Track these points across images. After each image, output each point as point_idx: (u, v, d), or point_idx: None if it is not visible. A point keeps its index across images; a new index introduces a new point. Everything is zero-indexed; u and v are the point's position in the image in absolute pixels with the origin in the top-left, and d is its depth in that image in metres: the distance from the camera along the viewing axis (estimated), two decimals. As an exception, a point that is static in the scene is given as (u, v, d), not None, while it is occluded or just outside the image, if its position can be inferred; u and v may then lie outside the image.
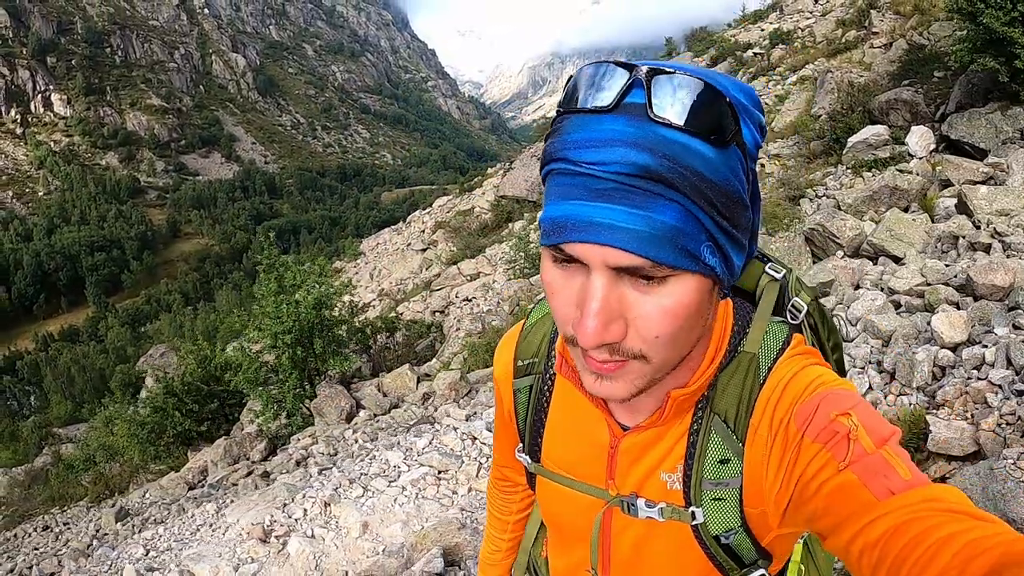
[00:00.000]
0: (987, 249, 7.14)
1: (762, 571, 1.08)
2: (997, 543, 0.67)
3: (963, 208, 8.62)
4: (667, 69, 0.81)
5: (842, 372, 1.22)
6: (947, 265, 7.17)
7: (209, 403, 15.37)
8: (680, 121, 0.79)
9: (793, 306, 1.11)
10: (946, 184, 10.12)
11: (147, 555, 7.27)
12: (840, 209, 11.26)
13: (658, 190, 0.78)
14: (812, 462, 0.87)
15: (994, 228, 7.12)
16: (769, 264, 1.13)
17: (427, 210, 45.04)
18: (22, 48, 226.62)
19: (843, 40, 23.28)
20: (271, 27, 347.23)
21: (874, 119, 14.85)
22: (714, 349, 1.03)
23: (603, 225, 0.79)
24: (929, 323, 5.74)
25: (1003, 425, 4.38)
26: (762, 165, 19.17)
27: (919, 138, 12.52)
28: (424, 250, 34.68)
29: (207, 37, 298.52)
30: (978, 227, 7.67)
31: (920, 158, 12.09)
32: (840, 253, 9.37)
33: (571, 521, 1.23)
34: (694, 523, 1.05)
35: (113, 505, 13.56)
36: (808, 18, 29.36)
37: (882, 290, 7.00)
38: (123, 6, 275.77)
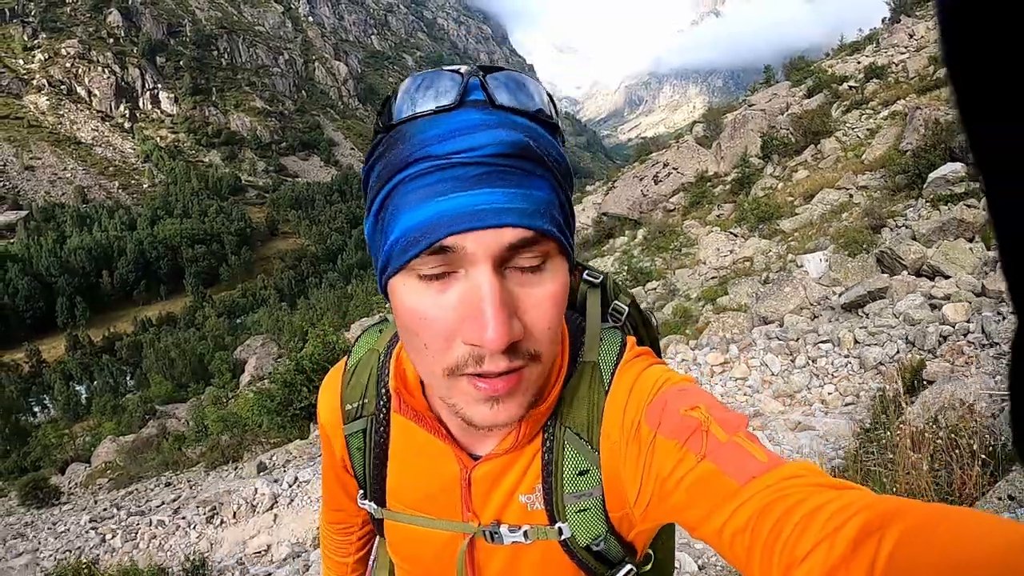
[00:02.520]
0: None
1: (630, 566, 1.10)
2: (861, 507, 0.69)
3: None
4: (496, 68, 0.87)
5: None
6: (978, 279, 8.73)
7: (333, 382, 17.15)
8: (522, 107, 0.83)
9: (615, 308, 1.16)
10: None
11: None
12: (914, 239, 12.46)
13: (529, 167, 0.81)
14: (669, 458, 0.88)
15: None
16: (586, 271, 1.18)
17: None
18: (133, 47, 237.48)
19: (934, 77, 24.06)
20: (373, 37, 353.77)
21: (954, 156, 15.86)
22: (557, 365, 1.03)
23: (486, 211, 0.78)
24: (942, 310, 7.96)
25: (967, 364, 6.75)
26: (850, 195, 20.23)
27: (992, 175, 13.57)
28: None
29: (311, 44, 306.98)
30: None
31: (994, 194, 13.13)
32: (904, 272, 10.64)
33: (429, 562, 1.18)
34: (562, 538, 1.04)
35: (237, 468, 15.51)
36: (902, 53, 30.09)
37: (925, 296, 8.89)
38: (230, 11, 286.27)
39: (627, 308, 1.16)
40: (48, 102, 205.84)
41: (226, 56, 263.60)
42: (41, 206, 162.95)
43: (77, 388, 78.17)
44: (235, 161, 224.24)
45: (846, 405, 7.43)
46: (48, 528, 12.79)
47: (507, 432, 1.03)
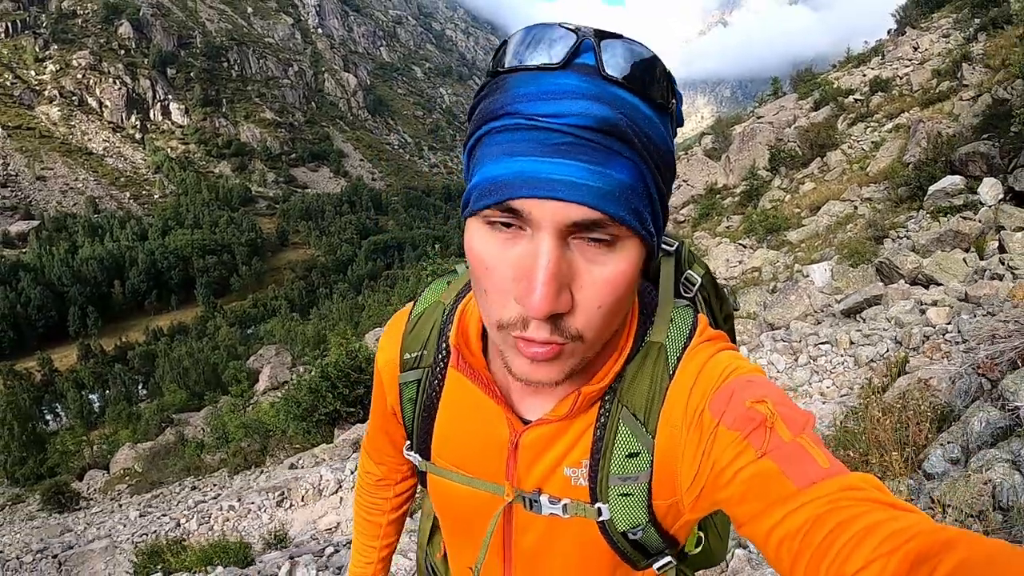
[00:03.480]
0: (1000, 278, 8.86)
1: (668, 558, 1.09)
2: (918, 532, 0.67)
3: (1003, 249, 10.30)
4: (616, 34, 0.82)
5: (733, 339, 1.24)
6: (964, 287, 9.33)
7: (356, 389, 17.62)
8: (631, 83, 0.78)
9: (687, 279, 1.13)
10: (1000, 229, 11.70)
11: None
12: (914, 249, 12.99)
13: (616, 146, 0.77)
14: (728, 449, 0.87)
15: (1010, 264, 8.85)
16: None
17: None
18: (144, 59, 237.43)
19: (937, 90, 24.57)
20: (382, 48, 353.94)
21: (954, 169, 16.37)
22: (620, 342, 1.01)
23: (559, 182, 0.76)
24: (927, 314, 8.72)
25: (943, 358, 7.31)
26: (855, 207, 20.72)
27: (989, 188, 14.08)
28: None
29: (320, 56, 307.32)
30: (1002, 263, 9.40)
31: (989, 206, 13.61)
32: (901, 280, 11.18)
33: (468, 520, 1.18)
34: (600, 519, 1.03)
35: (263, 471, 16.11)
36: (907, 66, 30.56)
37: (916, 302, 9.59)
38: (240, 23, 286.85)
39: (699, 279, 1.14)
40: (60, 113, 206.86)
41: (236, 68, 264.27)
42: (53, 216, 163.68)
43: (90, 397, 78.77)
44: (245, 172, 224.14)
45: (841, 396, 8.08)
46: (96, 526, 13.42)
47: (560, 399, 1.02)
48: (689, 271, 1.13)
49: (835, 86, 33.72)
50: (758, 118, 36.17)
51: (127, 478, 25.97)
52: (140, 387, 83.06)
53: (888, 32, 41.05)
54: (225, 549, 7.27)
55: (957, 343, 7.61)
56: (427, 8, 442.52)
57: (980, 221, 12.64)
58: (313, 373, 18.28)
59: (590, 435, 1.01)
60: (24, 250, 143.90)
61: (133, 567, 8.22)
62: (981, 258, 10.79)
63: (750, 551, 4.55)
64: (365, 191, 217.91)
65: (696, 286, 1.12)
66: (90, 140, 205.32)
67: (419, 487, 1.41)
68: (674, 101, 0.84)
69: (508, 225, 0.80)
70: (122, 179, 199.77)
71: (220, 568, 6.80)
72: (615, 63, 0.78)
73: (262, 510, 10.00)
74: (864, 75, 33.19)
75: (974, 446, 4.06)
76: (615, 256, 0.81)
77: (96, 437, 45.56)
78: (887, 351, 8.55)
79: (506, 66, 0.81)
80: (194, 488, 17.57)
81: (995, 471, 3.51)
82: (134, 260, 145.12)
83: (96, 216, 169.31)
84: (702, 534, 1.20)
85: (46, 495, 22.57)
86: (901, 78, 29.49)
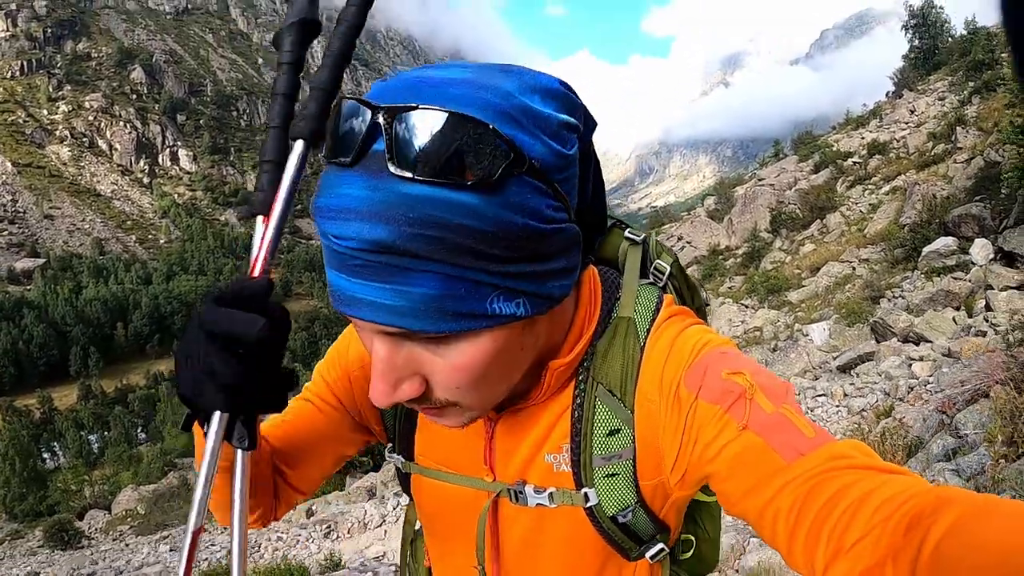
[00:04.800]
0: (984, 334, 9.37)
1: (661, 545, 1.04)
2: (911, 495, 0.66)
3: (989, 307, 10.82)
4: (410, 105, 0.68)
5: None
6: (949, 343, 9.88)
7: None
8: (422, 174, 0.67)
9: (656, 268, 1.09)
10: (989, 288, 12.21)
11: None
12: (908, 309, 13.53)
13: (406, 263, 0.69)
14: (710, 424, 0.84)
15: (994, 321, 9.36)
16: (628, 230, 1.11)
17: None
18: (155, 104, 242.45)
19: (932, 153, 25.30)
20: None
21: (948, 231, 16.93)
22: (584, 317, 0.97)
23: (360, 301, 0.72)
24: (913, 368, 9.37)
25: (922, 404, 7.74)
26: (853, 268, 21.27)
27: (980, 249, 14.63)
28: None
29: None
30: (987, 320, 9.92)
31: (980, 266, 14.13)
32: (894, 339, 11.70)
33: (454, 519, 1.12)
34: (587, 505, 0.97)
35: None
36: (904, 128, 31.38)
37: (905, 358, 10.21)
38: (251, 73, 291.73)
39: (668, 268, 1.09)
40: (70, 153, 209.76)
41: (245, 117, 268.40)
42: (59, 255, 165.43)
43: (89, 437, 78.80)
44: (250, 221, 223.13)
45: (835, 441, 9.02)
46: (113, 559, 13.88)
47: (527, 385, 0.97)
48: (658, 260, 1.10)
49: (834, 149, 34.59)
50: (760, 180, 36.95)
51: (129, 519, 26.16)
52: (140, 430, 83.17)
53: (887, 94, 42.08)
54: (288, 572, 7.87)
55: (936, 392, 8.25)
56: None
57: (970, 281, 13.18)
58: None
59: (567, 417, 0.98)
60: (29, 287, 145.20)
61: None
62: (969, 316, 11.30)
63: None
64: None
65: (665, 275, 1.09)
66: (99, 182, 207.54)
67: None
68: (515, 157, 0.70)
69: None
70: (129, 222, 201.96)
71: None
72: (404, 150, 0.67)
73: (311, 541, 10.66)
74: (863, 138, 34.06)
75: (933, 463, 5.06)
76: (460, 346, 0.76)
77: (96, 478, 45.69)
78: (876, 401, 9.13)
79: (327, 156, 0.76)
80: (203, 530, 17.94)
81: (942, 477, 4.60)
82: (138, 303, 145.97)
83: (102, 258, 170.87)
84: (692, 538, 1.18)
85: (49, 532, 22.74)
86: (898, 141, 30.33)
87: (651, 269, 1.09)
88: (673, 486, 0.94)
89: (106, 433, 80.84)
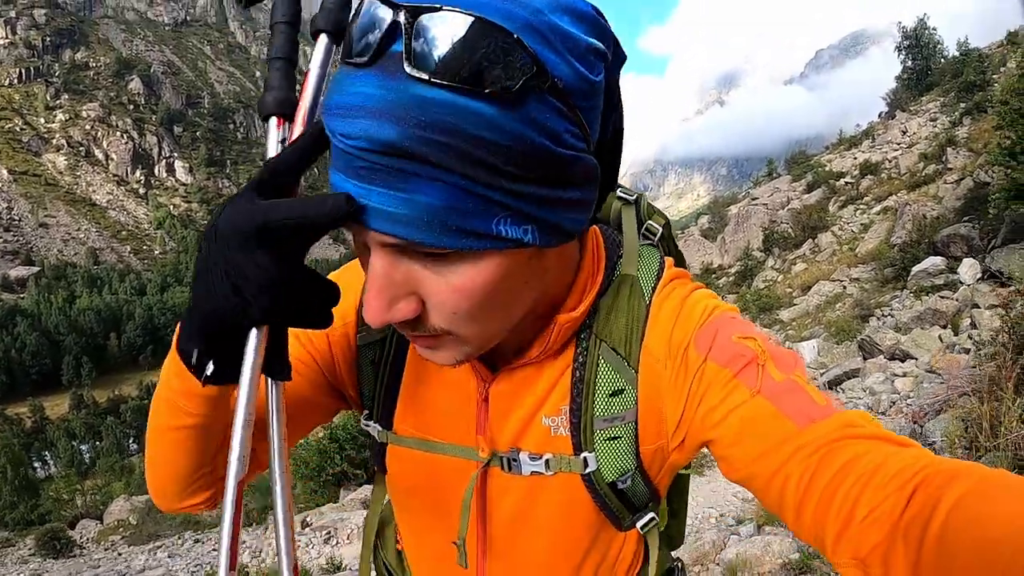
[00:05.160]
0: (967, 351, 9.48)
1: (652, 514, 1.01)
2: (921, 467, 0.66)
3: (974, 325, 11.02)
4: (434, 6, 0.63)
5: None
6: (932, 360, 10.01)
7: (363, 452, 18.31)
8: (440, 77, 0.62)
9: (648, 229, 1.05)
10: (975, 307, 12.40)
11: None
12: (897, 327, 13.72)
13: (412, 168, 0.64)
14: (718, 387, 0.83)
15: (978, 339, 9.52)
16: (620, 189, 1.06)
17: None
18: (152, 115, 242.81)
19: (923, 173, 25.61)
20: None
21: (937, 251, 17.17)
22: (589, 271, 0.93)
23: (369, 209, 0.67)
24: (895, 383, 9.54)
25: (903, 417, 7.89)
26: (844, 287, 21.48)
27: (968, 268, 14.85)
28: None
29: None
30: (971, 338, 10.09)
31: (968, 285, 14.34)
32: (880, 356, 11.89)
33: (435, 493, 1.05)
34: (586, 471, 0.93)
35: (265, 529, 16.68)
36: (895, 149, 31.68)
37: (889, 374, 10.43)
38: (248, 86, 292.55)
39: (660, 229, 1.06)
40: (66, 162, 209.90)
41: (242, 130, 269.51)
42: (53, 264, 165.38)
43: (80, 447, 78.68)
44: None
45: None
46: (108, 567, 14.15)
47: (532, 339, 0.93)
48: (649, 221, 1.07)
49: (827, 169, 34.91)
50: (753, 199, 37.27)
51: (121, 529, 26.16)
52: (131, 441, 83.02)
53: (879, 115, 42.43)
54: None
55: (913, 405, 8.56)
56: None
57: (958, 300, 13.37)
58: (321, 435, 18.91)
59: (568, 377, 0.94)
60: (23, 295, 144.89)
61: None
62: (955, 334, 11.48)
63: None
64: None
65: (657, 236, 1.06)
66: (94, 191, 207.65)
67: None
68: (535, 69, 0.65)
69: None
70: (124, 232, 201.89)
71: None
72: (424, 53, 0.63)
73: (311, 546, 10.73)
74: (855, 158, 34.39)
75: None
76: (461, 267, 0.72)
77: (88, 487, 45.62)
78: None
79: (343, 56, 0.70)
80: (197, 541, 17.95)
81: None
82: (131, 314, 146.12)
83: (96, 267, 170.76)
84: (664, 512, 1.14)
85: (41, 540, 22.72)
86: (890, 161, 30.64)
87: (642, 230, 1.06)
88: (672, 450, 0.93)
89: (97, 443, 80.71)
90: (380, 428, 1.06)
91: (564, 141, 0.70)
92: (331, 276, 1.04)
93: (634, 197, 1.06)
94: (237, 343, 0.72)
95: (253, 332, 0.70)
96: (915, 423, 6.65)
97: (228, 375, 0.76)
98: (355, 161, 0.66)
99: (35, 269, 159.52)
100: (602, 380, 0.92)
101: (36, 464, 71.24)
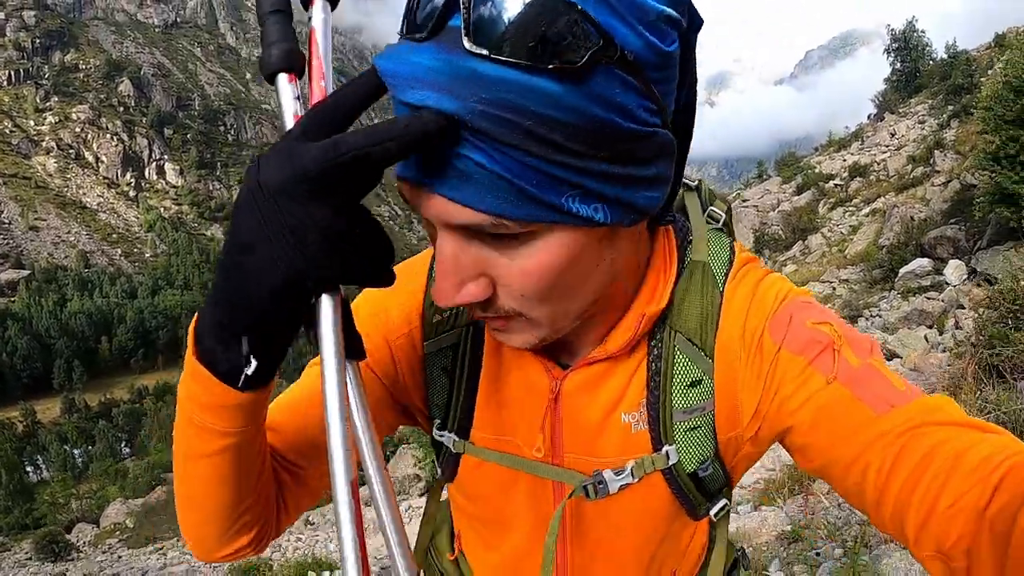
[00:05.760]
0: (949, 351, 9.74)
1: (725, 500, 1.00)
2: (1007, 457, 0.63)
3: (959, 326, 11.30)
4: None
5: None
6: (918, 359, 10.05)
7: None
8: (499, 53, 0.59)
9: (710, 215, 1.02)
10: (960, 307, 12.67)
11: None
12: (885, 327, 13.98)
13: (475, 140, 0.62)
14: (793, 375, 0.81)
15: (959, 339, 9.78)
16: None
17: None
18: (142, 117, 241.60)
19: (911, 176, 25.82)
20: (376, 120, 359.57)
21: (924, 252, 17.44)
22: (663, 260, 0.92)
23: (430, 167, 0.66)
24: None
25: None
26: (833, 288, 21.70)
27: (954, 270, 15.14)
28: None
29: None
30: (954, 338, 10.35)
31: (953, 286, 14.64)
32: (867, 356, 12.24)
33: (510, 507, 1.02)
34: (668, 464, 0.91)
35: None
36: (884, 151, 31.93)
37: None
38: (238, 88, 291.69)
39: (723, 215, 1.04)
40: (56, 164, 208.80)
41: (232, 132, 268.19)
42: (43, 267, 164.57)
43: (72, 452, 78.49)
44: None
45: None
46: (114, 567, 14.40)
47: (606, 333, 0.91)
48: (711, 207, 1.04)
49: (817, 171, 35.11)
50: (743, 201, 37.48)
51: (118, 532, 26.29)
52: (123, 444, 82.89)
53: (868, 117, 42.72)
54: (318, 563, 8.76)
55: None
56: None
57: (943, 300, 13.65)
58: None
59: (643, 371, 0.92)
60: (13, 299, 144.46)
61: None
62: (940, 334, 11.74)
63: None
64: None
65: (720, 221, 1.03)
66: (84, 194, 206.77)
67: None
68: (599, 44, 0.61)
69: None
70: (114, 235, 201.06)
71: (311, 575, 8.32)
72: (483, 27, 0.60)
73: (329, 540, 11.32)
74: (844, 160, 34.56)
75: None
76: (529, 248, 0.70)
77: (83, 491, 45.69)
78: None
79: (400, 30, 0.69)
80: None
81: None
82: (122, 317, 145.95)
83: (87, 270, 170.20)
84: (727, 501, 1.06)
85: (39, 544, 22.84)
86: (879, 164, 30.82)
87: (705, 216, 1.03)
88: (747, 440, 0.91)
89: (90, 447, 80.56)
90: (456, 438, 1.02)
91: (636, 116, 0.67)
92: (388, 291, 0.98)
93: (695, 183, 1.06)
94: (286, 329, 0.67)
95: (327, 302, 0.63)
96: None
97: (268, 374, 0.71)
98: None
99: (25, 272, 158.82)
100: (679, 371, 0.90)
101: (28, 468, 71.20)
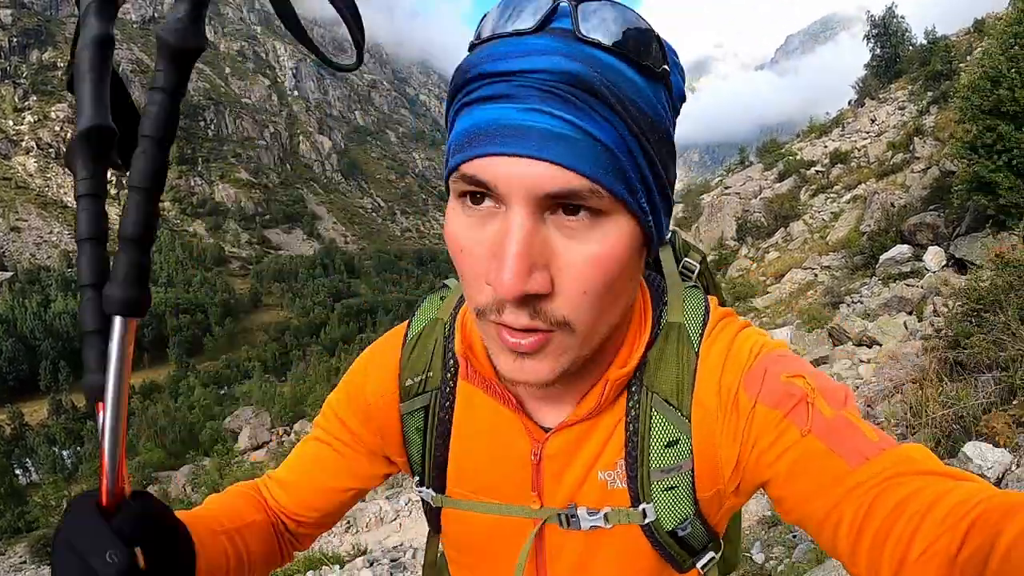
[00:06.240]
0: (928, 338, 9.97)
1: (712, 554, 1.02)
2: (977, 503, 0.64)
3: (936, 312, 11.56)
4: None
5: None
6: (896, 347, 10.42)
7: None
8: (609, 42, 0.71)
9: (685, 266, 1.06)
10: (939, 294, 12.94)
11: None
12: (866, 314, 14.24)
13: (591, 102, 0.69)
14: (769, 429, 0.82)
15: (938, 326, 10.02)
16: None
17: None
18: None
19: (891, 162, 26.06)
20: (356, 112, 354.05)
21: (904, 239, 17.68)
22: (637, 324, 0.93)
23: (532, 131, 0.68)
24: (859, 369, 10.14)
25: (863, 403, 8.27)
26: (815, 275, 21.94)
27: (933, 256, 15.40)
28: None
29: (296, 118, 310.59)
30: (932, 325, 10.58)
31: (934, 272, 14.91)
32: (849, 342, 12.42)
33: (493, 553, 1.06)
34: (645, 522, 0.93)
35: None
36: (864, 138, 32.16)
37: (857, 360, 11.01)
38: (218, 83, 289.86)
39: (698, 266, 1.07)
40: (36, 164, 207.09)
41: (213, 127, 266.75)
42: (26, 268, 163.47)
43: (61, 453, 78.20)
44: (219, 232, 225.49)
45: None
46: None
47: (580, 398, 0.93)
48: (686, 259, 1.08)
49: (798, 158, 35.34)
50: (726, 188, 37.71)
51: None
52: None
53: (849, 103, 42.88)
54: (324, 559, 9.11)
55: (881, 390, 9.03)
56: (401, 73, 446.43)
57: (923, 287, 13.91)
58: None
59: (621, 431, 0.94)
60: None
61: None
62: (920, 321, 11.99)
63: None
64: (338, 254, 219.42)
65: (695, 273, 1.06)
66: (66, 193, 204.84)
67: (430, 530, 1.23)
68: (666, 67, 0.77)
69: (481, 200, 0.75)
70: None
71: (325, 567, 8.74)
72: (591, 26, 0.71)
73: (332, 535, 11.47)
74: (825, 147, 34.80)
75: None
76: (600, 233, 0.73)
77: (75, 493, 45.59)
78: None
79: (482, 37, 0.77)
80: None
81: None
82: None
83: (70, 270, 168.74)
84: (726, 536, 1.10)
85: (34, 547, 22.83)
86: (859, 150, 31.09)
87: (680, 267, 1.07)
88: (729, 494, 0.93)
89: (79, 448, 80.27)
90: (434, 493, 1.09)
91: (672, 134, 0.80)
92: (363, 354, 1.16)
93: (669, 236, 1.08)
94: None
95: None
96: (868, 405, 7.52)
97: None
98: (534, 89, 0.70)
99: (8, 274, 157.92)
100: (656, 432, 0.92)
101: (17, 471, 70.91)
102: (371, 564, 8.44)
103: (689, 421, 0.91)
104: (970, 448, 4.82)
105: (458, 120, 0.77)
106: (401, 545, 9.87)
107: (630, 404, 0.93)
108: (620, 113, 0.71)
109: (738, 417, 0.86)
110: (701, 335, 0.94)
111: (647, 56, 0.74)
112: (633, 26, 0.73)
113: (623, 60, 0.72)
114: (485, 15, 0.78)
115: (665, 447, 0.91)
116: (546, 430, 0.97)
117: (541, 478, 0.98)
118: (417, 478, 1.11)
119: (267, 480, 1.19)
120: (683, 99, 0.83)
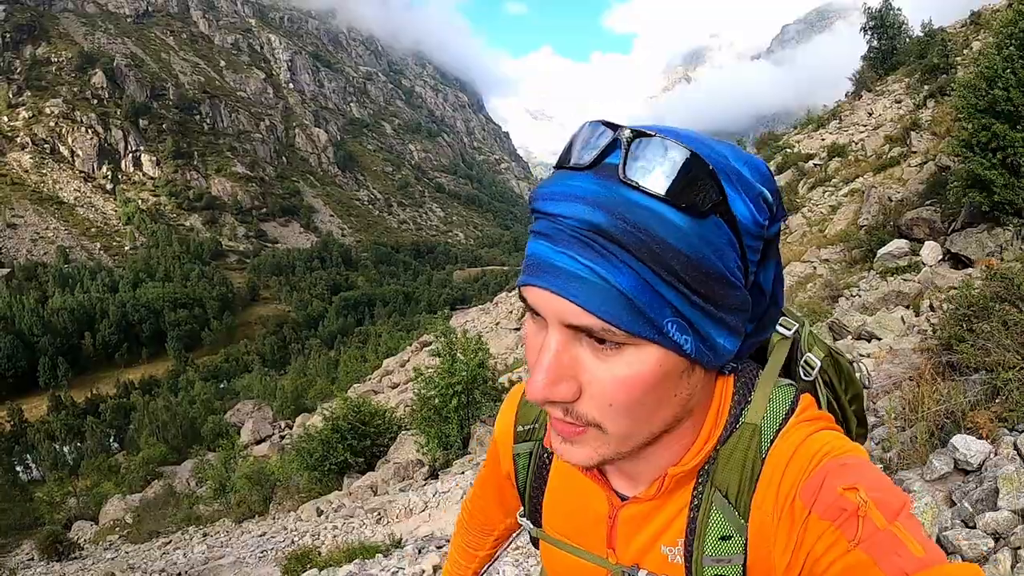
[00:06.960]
0: (924, 334, 10.24)
1: None
2: None
3: (932, 308, 11.82)
4: (651, 132, 0.78)
5: (862, 420, 1.22)
6: (894, 342, 10.69)
7: (363, 440, 19.14)
8: (650, 185, 0.75)
9: (806, 362, 1.07)
10: (936, 288, 13.20)
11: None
12: (864, 307, 14.46)
13: (612, 250, 0.75)
14: (820, 540, 0.84)
15: (933, 321, 10.28)
16: (781, 319, 1.06)
17: (513, 291, 47.26)
18: (117, 109, 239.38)
19: (888, 156, 26.15)
20: (352, 104, 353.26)
21: (901, 233, 17.88)
22: (712, 423, 0.97)
23: (562, 271, 0.77)
24: (860, 367, 9.88)
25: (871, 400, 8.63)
26: (814, 268, 22.05)
27: (930, 251, 15.63)
28: (517, 329, 38.38)
29: (291, 111, 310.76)
30: (928, 321, 10.82)
31: (930, 267, 15.13)
32: (848, 336, 12.67)
33: None
34: None
35: (275, 519, 17.26)
36: (862, 131, 32.30)
37: (857, 354, 10.95)
38: (213, 76, 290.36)
39: (819, 362, 1.07)
40: (31, 160, 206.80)
41: (208, 120, 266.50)
42: (23, 265, 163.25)
43: (62, 449, 78.27)
44: (216, 226, 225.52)
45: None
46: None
47: (652, 480, 1.01)
48: (809, 354, 1.08)
49: (796, 150, 35.42)
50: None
51: (118, 529, 26.45)
52: (112, 440, 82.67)
53: (846, 95, 42.91)
54: (365, 548, 9.34)
55: (882, 386, 9.19)
56: (397, 65, 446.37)
57: (919, 282, 14.13)
58: (323, 426, 19.71)
59: (684, 516, 1.00)
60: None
61: (282, 569, 9.75)
62: (917, 315, 12.23)
63: None
64: (335, 247, 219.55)
65: (816, 369, 1.07)
66: (61, 189, 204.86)
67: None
68: (720, 200, 0.78)
69: (536, 312, 0.83)
70: (93, 229, 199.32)
71: (359, 559, 8.90)
72: (639, 166, 0.76)
73: (364, 527, 11.90)
74: (823, 139, 34.86)
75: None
76: (626, 359, 0.80)
77: (79, 488, 45.61)
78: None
79: (559, 160, 0.84)
80: (205, 535, 18.43)
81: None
82: (105, 312, 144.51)
83: (67, 266, 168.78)
84: None
85: (42, 544, 22.96)
86: (856, 143, 31.21)
87: (801, 362, 1.08)
88: None
89: (79, 444, 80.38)
90: (531, 525, 1.24)
91: (731, 267, 0.81)
92: (504, 404, 1.37)
93: (792, 331, 1.08)
94: None
95: None
96: (871, 401, 7.80)
97: None
98: (565, 232, 0.78)
99: (5, 271, 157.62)
100: (713, 525, 0.97)
101: (18, 468, 70.98)
102: (419, 551, 8.80)
103: (745, 521, 0.94)
104: (957, 440, 5.25)
105: (528, 241, 0.86)
106: (432, 534, 10.09)
107: (694, 494, 0.99)
108: (643, 257, 0.75)
109: (792, 525, 0.88)
110: (773, 439, 0.95)
111: (693, 196, 0.76)
112: (684, 164, 0.76)
113: (663, 202, 0.75)
114: (581, 127, 0.85)
115: (719, 540, 0.96)
116: (623, 498, 1.06)
117: (615, 537, 1.09)
118: (522, 508, 1.29)
119: (466, 517, 1.60)
120: (762, 223, 0.84)
